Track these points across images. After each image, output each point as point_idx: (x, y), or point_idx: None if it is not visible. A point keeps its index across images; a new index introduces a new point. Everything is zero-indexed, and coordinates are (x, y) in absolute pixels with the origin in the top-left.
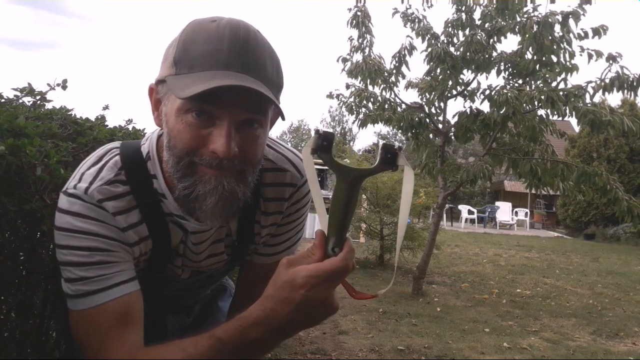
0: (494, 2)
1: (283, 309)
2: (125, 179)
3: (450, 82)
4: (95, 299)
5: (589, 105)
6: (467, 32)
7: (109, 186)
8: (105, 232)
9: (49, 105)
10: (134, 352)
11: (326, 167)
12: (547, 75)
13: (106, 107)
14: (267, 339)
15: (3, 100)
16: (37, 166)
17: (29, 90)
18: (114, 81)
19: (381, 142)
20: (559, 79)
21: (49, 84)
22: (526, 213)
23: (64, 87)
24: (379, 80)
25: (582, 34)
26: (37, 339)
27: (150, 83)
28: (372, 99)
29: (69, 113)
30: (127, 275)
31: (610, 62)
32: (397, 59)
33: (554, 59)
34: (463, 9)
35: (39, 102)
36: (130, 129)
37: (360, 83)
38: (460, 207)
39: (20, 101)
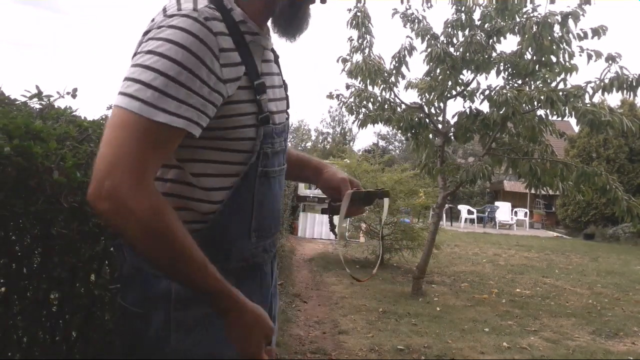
0: (494, 2)
1: None
2: (215, 6)
3: (449, 83)
4: (158, 116)
5: (588, 105)
6: (466, 32)
7: (209, 9)
8: (205, 58)
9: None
10: (157, 195)
11: None
12: (546, 76)
13: (110, 107)
14: None
15: (7, 102)
16: (54, 169)
17: (37, 94)
18: (114, 81)
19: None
20: (558, 79)
21: (58, 92)
22: (526, 213)
23: (74, 96)
24: (379, 81)
25: (582, 35)
26: (46, 344)
27: None
28: (372, 99)
29: (73, 114)
30: (195, 116)
31: (610, 62)
32: (397, 59)
33: (554, 59)
34: (463, 9)
35: (46, 108)
36: None
37: (360, 83)
38: (459, 207)
39: (21, 103)
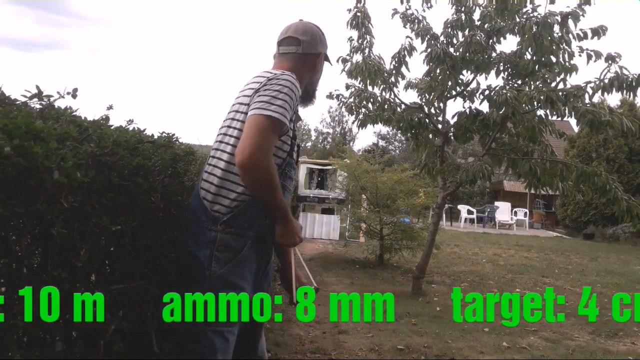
0: (494, 2)
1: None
2: None
3: (449, 83)
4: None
5: (588, 105)
6: (466, 32)
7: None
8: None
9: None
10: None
11: (326, 167)
12: (546, 76)
13: (110, 107)
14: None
15: (7, 102)
16: (54, 169)
17: (38, 94)
18: (114, 82)
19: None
20: (558, 79)
21: (58, 92)
22: (525, 213)
23: (74, 96)
24: (379, 81)
25: (582, 35)
26: (44, 346)
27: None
28: (371, 100)
29: (74, 114)
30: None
31: (610, 62)
32: (396, 59)
33: (553, 59)
34: (463, 9)
35: (47, 108)
36: (131, 129)
37: (360, 83)
38: (459, 207)
39: (22, 103)
